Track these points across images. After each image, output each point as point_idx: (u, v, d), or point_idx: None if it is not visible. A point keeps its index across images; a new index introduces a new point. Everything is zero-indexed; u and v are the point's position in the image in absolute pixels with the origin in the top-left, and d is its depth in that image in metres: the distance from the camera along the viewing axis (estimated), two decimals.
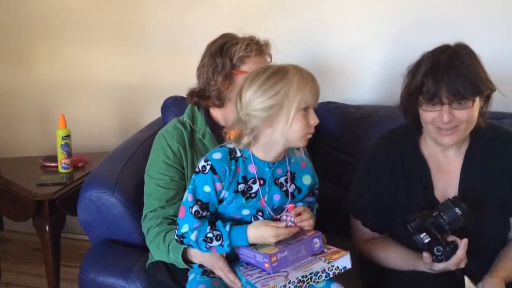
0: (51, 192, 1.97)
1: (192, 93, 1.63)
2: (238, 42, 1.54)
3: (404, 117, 1.50)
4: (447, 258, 1.29)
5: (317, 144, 1.96)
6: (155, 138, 1.62)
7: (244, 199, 1.29)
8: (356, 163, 1.58)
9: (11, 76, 2.62)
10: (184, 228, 1.28)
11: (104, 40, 2.46)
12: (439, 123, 1.35)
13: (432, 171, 1.46)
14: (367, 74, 2.16)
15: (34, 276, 2.38)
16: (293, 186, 1.34)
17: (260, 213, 1.31)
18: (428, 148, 1.48)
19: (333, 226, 1.51)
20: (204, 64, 1.58)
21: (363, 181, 1.52)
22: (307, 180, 1.37)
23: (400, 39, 2.09)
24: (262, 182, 1.30)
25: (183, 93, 2.08)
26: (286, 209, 1.30)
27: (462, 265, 1.31)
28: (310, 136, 1.27)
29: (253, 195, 1.30)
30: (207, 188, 1.27)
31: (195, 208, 1.27)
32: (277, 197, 1.32)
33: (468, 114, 1.34)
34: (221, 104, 1.59)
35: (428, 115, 1.36)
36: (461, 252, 1.29)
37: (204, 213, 1.28)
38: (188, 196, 1.29)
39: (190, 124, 1.61)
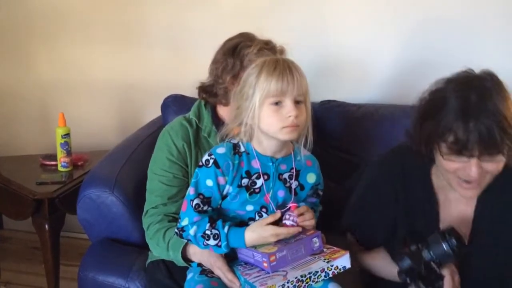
0: (50, 191, 1.96)
1: (201, 87, 1.62)
2: (251, 45, 1.52)
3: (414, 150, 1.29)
4: None
5: (317, 143, 1.96)
6: (160, 134, 1.61)
7: (248, 194, 1.29)
8: (358, 175, 1.51)
9: (11, 75, 2.62)
10: (184, 222, 1.28)
11: (104, 39, 2.46)
12: (464, 175, 1.18)
13: (440, 205, 1.33)
14: (368, 73, 2.16)
15: (33, 275, 2.38)
16: (296, 183, 1.33)
17: (264, 209, 1.30)
18: (440, 181, 1.32)
19: (333, 226, 1.51)
20: (216, 60, 1.57)
21: (362, 202, 1.45)
22: (311, 178, 1.36)
23: (402, 38, 2.08)
24: (266, 177, 1.30)
25: (183, 91, 2.10)
26: (289, 207, 1.29)
27: None
28: (291, 129, 1.22)
29: (257, 190, 1.29)
30: (209, 182, 1.27)
31: (196, 201, 1.27)
32: (281, 193, 1.31)
33: (498, 166, 1.17)
34: (226, 103, 1.57)
35: (451, 165, 1.19)
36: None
37: (205, 208, 1.28)
38: (190, 190, 1.29)
39: (196, 122, 1.60)
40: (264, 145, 1.30)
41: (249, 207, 1.30)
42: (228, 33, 1.61)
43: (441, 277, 1.20)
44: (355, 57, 2.16)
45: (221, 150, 1.29)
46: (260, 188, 1.29)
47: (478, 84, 1.17)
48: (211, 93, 1.59)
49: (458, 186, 1.23)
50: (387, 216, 1.38)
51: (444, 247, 1.18)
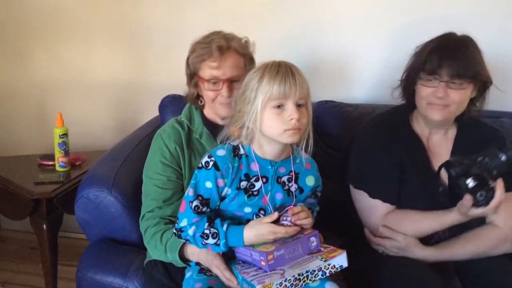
0: (48, 191, 1.96)
1: (186, 97, 1.66)
2: (195, 49, 1.55)
3: (402, 95, 1.57)
4: (487, 203, 1.30)
5: (314, 143, 1.96)
6: (153, 138, 1.62)
7: (246, 196, 1.30)
8: (348, 145, 1.63)
9: (8, 74, 2.61)
10: (183, 223, 1.29)
11: (101, 38, 2.46)
12: (433, 98, 1.44)
13: (425, 147, 1.54)
14: (364, 73, 2.17)
15: (31, 275, 2.38)
16: (295, 185, 1.34)
17: (262, 212, 1.31)
18: (420, 127, 1.56)
19: (331, 225, 1.51)
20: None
21: (363, 154, 1.56)
22: (310, 181, 1.37)
23: (398, 38, 2.09)
24: (264, 180, 1.31)
25: (181, 91, 2.08)
26: (286, 210, 1.30)
27: (499, 211, 1.33)
28: (293, 131, 1.24)
29: (255, 193, 1.30)
30: (208, 184, 1.28)
31: (195, 203, 1.28)
32: (279, 196, 1.32)
33: (461, 96, 1.43)
34: (203, 106, 1.61)
35: (425, 90, 1.45)
36: (499, 192, 1.30)
37: (204, 209, 1.29)
38: (189, 191, 1.29)
39: (187, 124, 1.61)
40: (265, 149, 1.30)
41: (247, 209, 1.31)
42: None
43: (492, 187, 1.31)
44: (352, 58, 2.17)
45: (221, 152, 1.29)
46: (258, 190, 1.30)
47: (456, 36, 1.47)
48: (193, 100, 1.62)
49: (427, 109, 1.47)
50: (394, 161, 1.51)
51: (502, 157, 1.30)
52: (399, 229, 1.47)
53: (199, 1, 2.29)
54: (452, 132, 1.57)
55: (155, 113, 2.13)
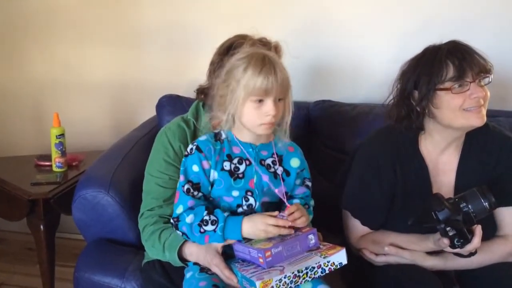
0: (45, 191, 1.95)
1: (199, 89, 1.64)
2: (244, 41, 1.53)
3: (397, 123, 1.46)
4: (462, 247, 1.31)
5: (312, 142, 1.97)
6: (157, 134, 1.61)
7: (232, 179, 1.33)
8: (350, 160, 1.57)
9: (4, 74, 2.61)
10: (179, 209, 1.32)
11: (98, 38, 2.45)
12: (469, 103, 1.34)
13: (429, 169, 1.47)
14: (363, 73, 2.17)
15: (28, 275, 2.37)
16: (280, 168, 1.38)
17: (249, 193, 1.34)
18: (427, 147, 1.48)
19: (329, 224, 1.51)
20: (212, 62, 1.59)
21: (362, 179, 1.51)
22: (295, 163, 1.40)
23: (397, 39, 2.11)
24: (248, 162, 1.34)
25: (178, 91, 2.10)
26: (285, 209, 1.31)
27: (473, 251, 1.32)
28: (268, 126, 1.28)
29: (240, 175, 1.34)
30: (195, 168, 1.32)
31: (186, 186, 1.32)
32: (265, 178, 1.35)
33: (487, 90, 1.36)
34: None
35: (458, 98, 1.34)
36: (476, 240, 1.30)
37: (196, 193, 1.32)
38: (180, 178, 1.35)
39: (193, 122, 1.61)
40: (245, 133, 1.35)
41: (235, 193, 1.33)
42: (224, 33, 1.61)
43: (470, 230, 1.30)
44: (351, 57, 2.17)
45: (203, 137, 1.36)
46: (243, 173, 1.34)
47: (445, 42, 1.41)
48: (209, 95, 1.56)
49: (466, 119, 1.35)
50: (389, 191, 1.47)
51: (484, 202, 1.28)
52: (378, 250, 1.46)
53: (198, 0, 2.29)
54: (461, 145, 1.48)
55: (152, 113, 2.13)
